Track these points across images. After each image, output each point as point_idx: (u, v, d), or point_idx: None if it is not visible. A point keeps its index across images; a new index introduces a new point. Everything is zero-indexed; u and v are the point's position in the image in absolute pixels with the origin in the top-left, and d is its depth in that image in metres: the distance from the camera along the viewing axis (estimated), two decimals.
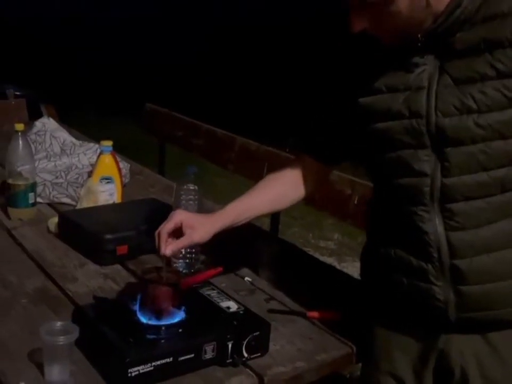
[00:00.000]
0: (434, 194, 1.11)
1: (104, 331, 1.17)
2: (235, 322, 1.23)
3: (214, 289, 1.35)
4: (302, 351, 1.28)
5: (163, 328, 1.19)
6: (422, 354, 1.19)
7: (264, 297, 1.50)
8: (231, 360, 1.19)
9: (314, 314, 1.40)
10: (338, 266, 3.84)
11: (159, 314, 1.19)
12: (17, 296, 1.44)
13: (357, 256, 4.01)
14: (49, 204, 2.03)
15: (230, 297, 1.32)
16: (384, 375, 1.23)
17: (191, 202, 1.56)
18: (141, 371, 1.10)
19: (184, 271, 1.58)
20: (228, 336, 1.18)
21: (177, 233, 1.27)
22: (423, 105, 1.09)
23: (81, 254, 1.68)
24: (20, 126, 1.83)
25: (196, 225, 1.27)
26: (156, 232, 1.26)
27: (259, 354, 1.23)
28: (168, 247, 1.24)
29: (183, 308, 1.23)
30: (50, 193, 2.01)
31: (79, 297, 1.45)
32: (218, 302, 1.29)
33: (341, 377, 1.28)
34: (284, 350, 1.28)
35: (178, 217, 1.27)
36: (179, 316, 1.21)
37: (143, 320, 1.20)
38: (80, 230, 1.68)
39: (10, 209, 1.89)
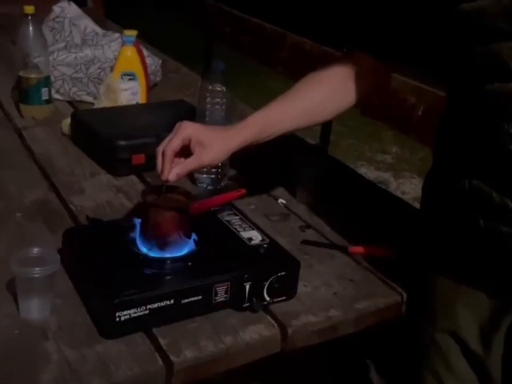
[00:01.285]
0: None
1: (91, 261, 0.96)
2: (256, 258, 0.99)
3: (236, 215, 1.11)
4: (339, 296, 1.04)
5: (167, 262, 0.96)
6: (494, 315, 0.93)
7: (299, 225, 1.25)
8: (248, 304, 0.96)
9: (359, 249, 1.15)
10: (394, 183, 3.56)
11: (162, 245, 0.96)
12: (12, 209, 1.24)
13: (416, 172, 3.70)
14: (69, 102, 1.81)
15: (254, 226, 1.08)
16: (442, 333, 0.98)
17: (217, 107, 1.30)
18: (133, 315, 0.88)
19: (208, 187, 1.34)
20: (246, 276, 0.95)
21: (185, 151, 1.02)
22: None
23: (95, 161, 1.46)
24: (29, 9, 1.57)
25: (207, 143, 1.01)
26: (158, 150, 1.01)
27: (284, 298, 1.00)
28: (173, 171, 0.99)
29: (193, 237, 0.99)
30: (69, 89, 1.78)
31: (82, 213, 1.23)
32: (238, 232, 1.05)
33: (384, 330, 1.03)
34: (317, 294, 1.04)
35: (186, 131, 1.01)
36: (187, 248, 0.98)
37: (143, 250, 0.97)
38: (93, 134, 1.45)
39: (22, 106, 1.68)
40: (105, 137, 1.41)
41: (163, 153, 0.99)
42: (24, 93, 1.65)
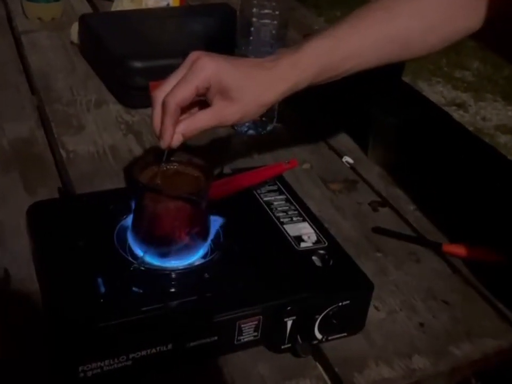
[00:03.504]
0: None
1: (48, 264, 0.63)
2: (306, 276, 0.64)
3: (281, 191, 0.76)
4: (427, 330, 0.70)
5: (169, 276, 0.63)
6: None
7: (371, 200, 0.89)
8: (289, 345, 0.63)
9: (458, 249, 0.79)
10: (474, 107, 3.09)
11: (163, 249, 0.63)
12: None
13: (500, 94, 3.21)
14: (88, 0, 1.44)
15: (306, 213, 0.72)
16: None
17: (266, 29, 0.91)
18: (106, 368, 0.56)
19: (249, 132, 0.99)
20: (289, 308, 0.61)
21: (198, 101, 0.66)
22: None
23: (104, 83, 1.12)
24: None
25: (235, 92, 0.64)
26: (155, 97, 0.65)
27: (345, 334, 0.66)
28: (178, 130, 0.63)
29: (210, 234, 0.65)
30: None
31: (75, 163, 0.91)
32: (283, 223, 0.70)
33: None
34: (393, 324, 0.70)
35: (203, 72, 0.63)
36: (200, 253, 0.64)
37: (135, 253, 0.64)
38: (101, 48, 1.09)
39: (25, 4, 1.32)
40: (115, 54, 1.05)
41: (163, 105, 0.63)
42: None
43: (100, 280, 0.62)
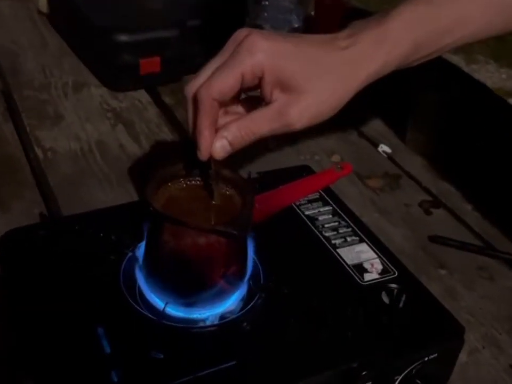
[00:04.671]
0: None
1: (25, 318, 0.46)
2: (378, 323, 0.49)
3: (326, 202, 0.60)
4: None
5: (199, 332, 0.47)
6: None
7: (420, 199, 0.74)
8: None
9: None
10: (466, 69, 2.94)
11: (191, 296, 0.47)
12: None
13: (492, 56, 3.08)
14: None
15: (361, 230, 0.57)
16: None
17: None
18: None
19: None
20: (364, 374, 0.45)
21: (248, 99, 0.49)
22: None
23: (82, 62, 0.93)
24: None
25: (303, 80, 0.46)
26: (187, 91, 0.46)
27: None
28: (220, 136, 0.46)
29: (247, 273, 0.49)
30: None
31: (54, 164, 0.74)
32: (335, 247, 0.55)
33: None
34: (477, 369, 0.55)
35: (255, 57, 0.45)
36: (236, 297, 0.48)
37: (153, 302, 0.47)
38: (78, 18, 0.91)
39: None
40: (97, 25, 0.87)
41: (196, 100, 0.45)
42: None
43: (104, 341, 0.46)
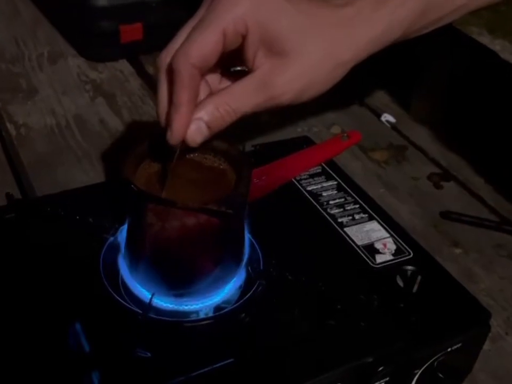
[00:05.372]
0: None
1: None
2: (394, 311, 0.43)
3: (329, 176, 0.54)
4: None
5: (192, 326, 0.41)
6: None
7: (429, 172, 0.68)
8: None
9: None
10: None
11: (181, 286, 0.41)
12: None
13: (486, 28, 3.03)
14: None
15: (370, 206, 0.51)
16: None
17: None
18: None
19: None
20: (381, 369, 0.39)
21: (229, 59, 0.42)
22: None
23: (58, 31, 0.86)
24: None
25: (293, 40, 0.38)
26: (161, 59, 0.39)
27: None
28: (198, 115, 0.38)
29: (244, 258, 0.43)
30: None
31: (28, 142, 0.67)
32: (342, 226, 0.49)
33: None
34: (500, 358, 0.50)
35: (235, 9, 0.37)
36: (232, 286, 0.42)
37: (138, 294, 0.41)
38: None
39: None
40: None
41: (172, 71, 0.38)
42: None
43: (82, 338, 0.40)
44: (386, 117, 0.74)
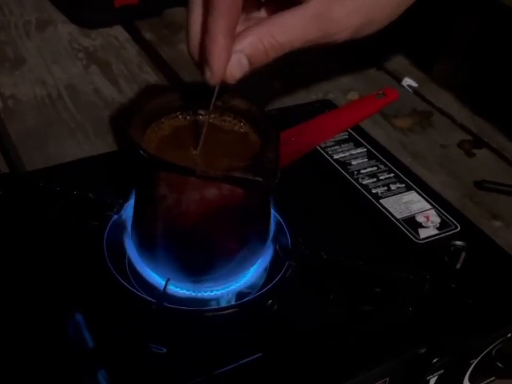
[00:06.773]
0: None
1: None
2: (445, 294, 0.37)
3: (358, 142, 0.48)
4: None
5: (213, 316, 0.35)
6: None
7: (459, 139, 0.62)
8: None
9: None
10: None
11: (199, 270, 0.35)
12: None
13: None
14: None
15: (407, 176, 0.45)
16: None
17: None
18: None
19: None
20: (435, 361, 0.34)
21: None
22: None
23: None
24: None
25: None
26: None
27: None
28: (238, 52, 0.32)
29: (270, 235, 0.37)
30: None
31: (14, 115, 0.61)
32: (377, 197, 0.43)
33: None
34: None
35: None
36: (257, 268, 0.36)
37: (150, 279, 0.35)
38: None
39: None
40: None
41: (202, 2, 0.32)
42: None
43: (85, 331, 0.34)
44: (408, 81, 0.68)
